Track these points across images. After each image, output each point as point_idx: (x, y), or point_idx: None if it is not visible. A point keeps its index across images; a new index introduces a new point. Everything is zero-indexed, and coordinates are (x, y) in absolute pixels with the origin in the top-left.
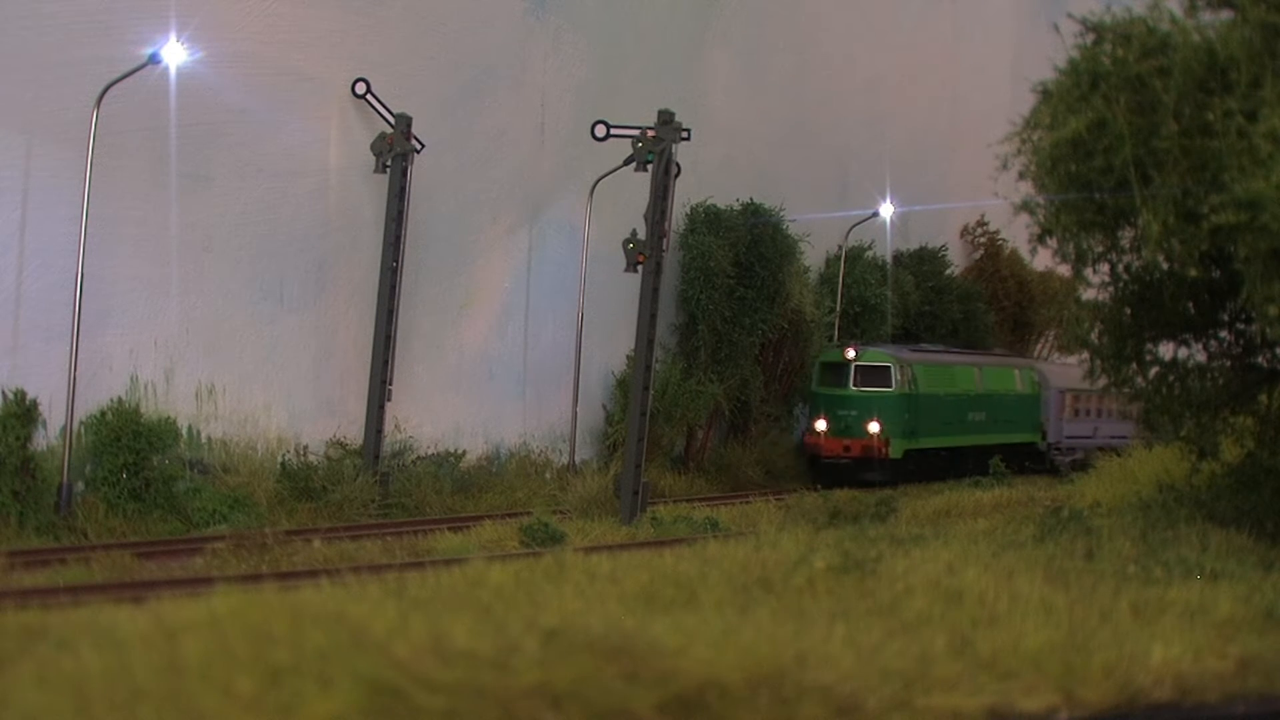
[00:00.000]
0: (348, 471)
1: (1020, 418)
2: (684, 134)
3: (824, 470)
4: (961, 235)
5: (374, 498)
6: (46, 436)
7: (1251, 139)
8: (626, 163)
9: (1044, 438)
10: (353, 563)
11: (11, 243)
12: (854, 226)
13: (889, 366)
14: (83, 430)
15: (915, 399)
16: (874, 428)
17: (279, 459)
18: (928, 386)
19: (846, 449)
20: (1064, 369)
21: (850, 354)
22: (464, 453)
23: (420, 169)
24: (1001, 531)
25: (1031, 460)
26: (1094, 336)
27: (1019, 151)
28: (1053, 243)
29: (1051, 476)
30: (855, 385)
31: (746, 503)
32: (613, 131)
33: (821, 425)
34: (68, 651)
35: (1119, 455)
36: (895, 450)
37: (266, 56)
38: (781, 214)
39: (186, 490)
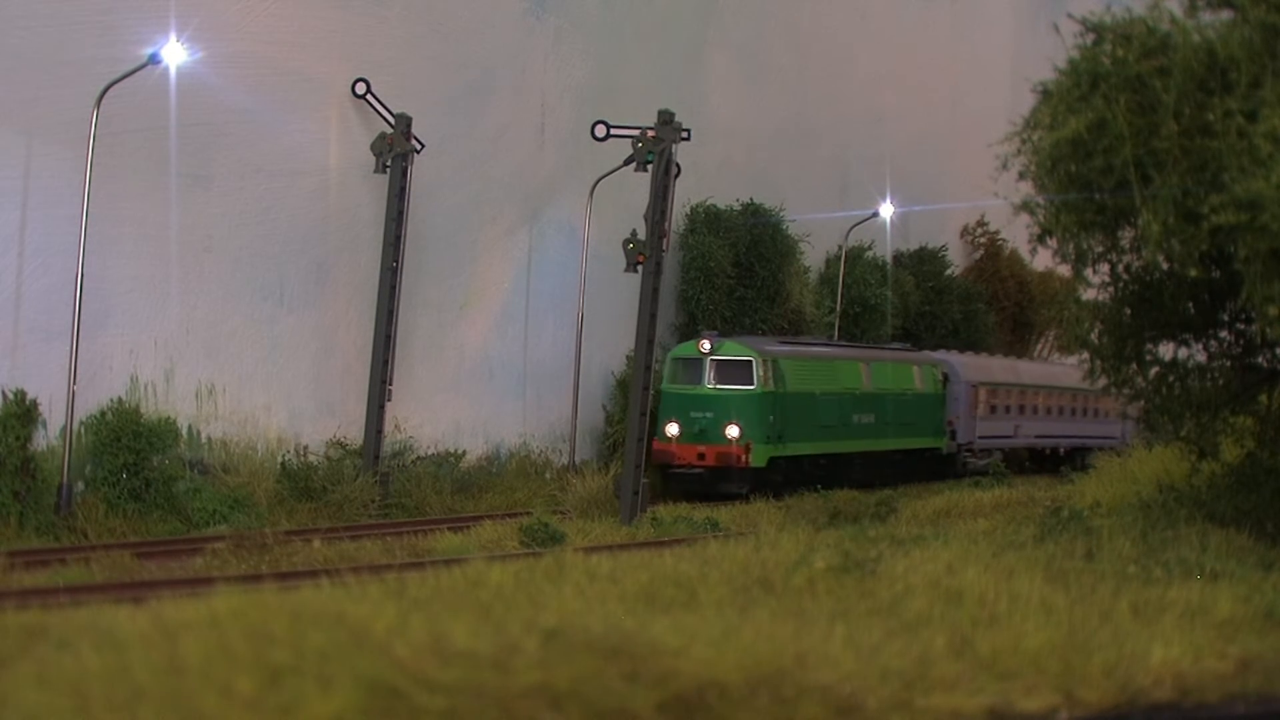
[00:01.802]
0: (348, 471)
1: (920, 419)
2: (684, 134)
3: (677, 481)
4: (961, 235)
5: (374, 498)
6: (46, 436)
7: (1251, 139)
8: (626, 163)
9: (953, 439)
10: (353, 563)
11: (11, 243)
12: (854, 226)
13: (750, 361)
14: (83, 430)
15: (782, 399)
16: (733, 432)
17: (279, 459)
18: (798, 384)
19: (701, 457)
20: (978, 360)
21: (705, 346)
22: (464, 453)
23: (420, 169)
24: (1001, 531)
25: (938, 466)
26: (1094, 336)
27: (1019, 151)
28: (1053, 243)
29: (958, 480)
30: (711, 383)
31: (746, 503)
32: (613, 131)
33: (673, 430)
34: (68, 651)
35: (1056, 458)
36: (757, 458)
37: (266, 56)
38: (781, 214)
39: (186, 490)
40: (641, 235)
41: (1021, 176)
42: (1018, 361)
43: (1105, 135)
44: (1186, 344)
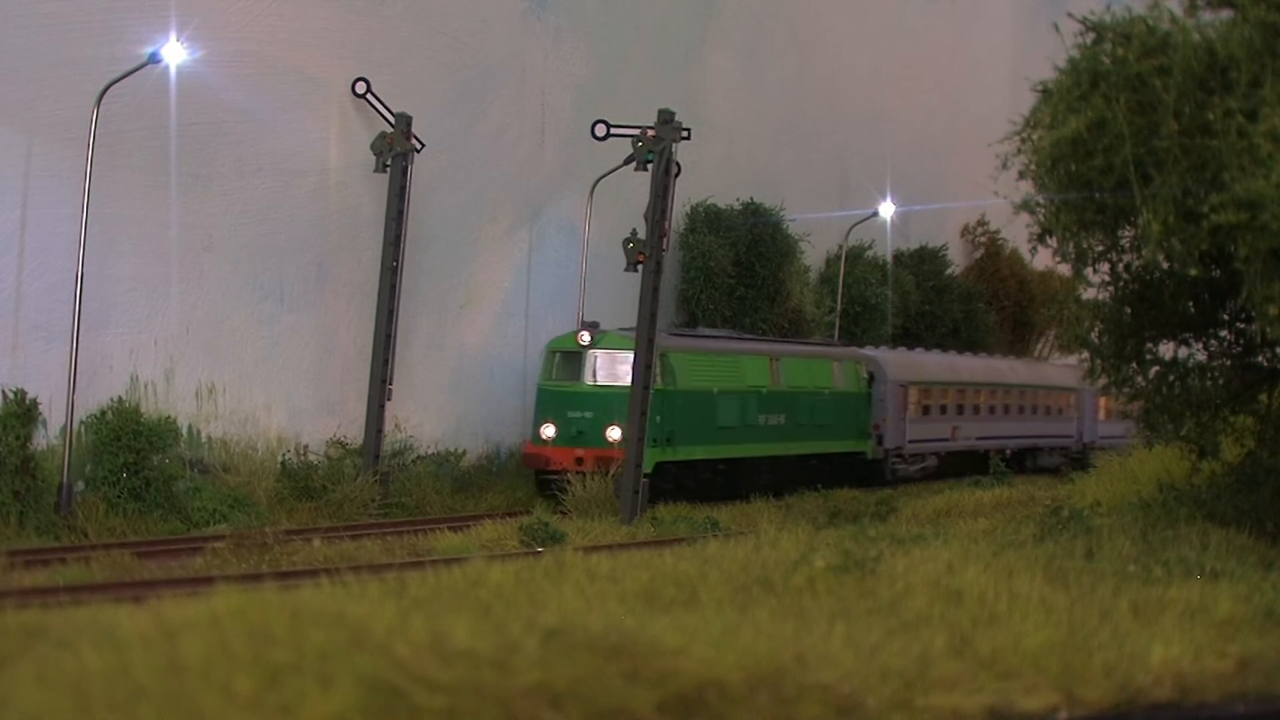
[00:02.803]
0: (348, 471)
1: (840, 421)
2: (684, 134)
3: (551, 489)
4: (961, 235)
5: (374, 497)
6: (46, 436)
7: (1251, 138)
8: (626, 162)
9: (879, 443)
10: (353, 562)
11: (11, 243)
12: (854, 226)
13: (634, 355)
14: (83, 430)
15: (672, 397)
16: (614, 434)
17: (279, 458)
18: (692, 381)
19: (579, 461)
20: (909, 357)
21: (585, 339)
22: (464, 452)
23: (420, 169)
24: (1001, 531)
25: (861, 472)
26: (1094, 336)
27: (1019, 151)
28: (1053, 242)
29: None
30: (592, 379)
31: (746, 502)
32: (613, 131)
33: (549, 431)
34: (68, 651)
35: (1001, 460)
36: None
37: (266, 56)
38: (781, 214)
39: (186, 490)
40: (641, 235)
41: (1021, 176)
42: (957, 357)
43: (1105, 134)
44: (1186, 343)
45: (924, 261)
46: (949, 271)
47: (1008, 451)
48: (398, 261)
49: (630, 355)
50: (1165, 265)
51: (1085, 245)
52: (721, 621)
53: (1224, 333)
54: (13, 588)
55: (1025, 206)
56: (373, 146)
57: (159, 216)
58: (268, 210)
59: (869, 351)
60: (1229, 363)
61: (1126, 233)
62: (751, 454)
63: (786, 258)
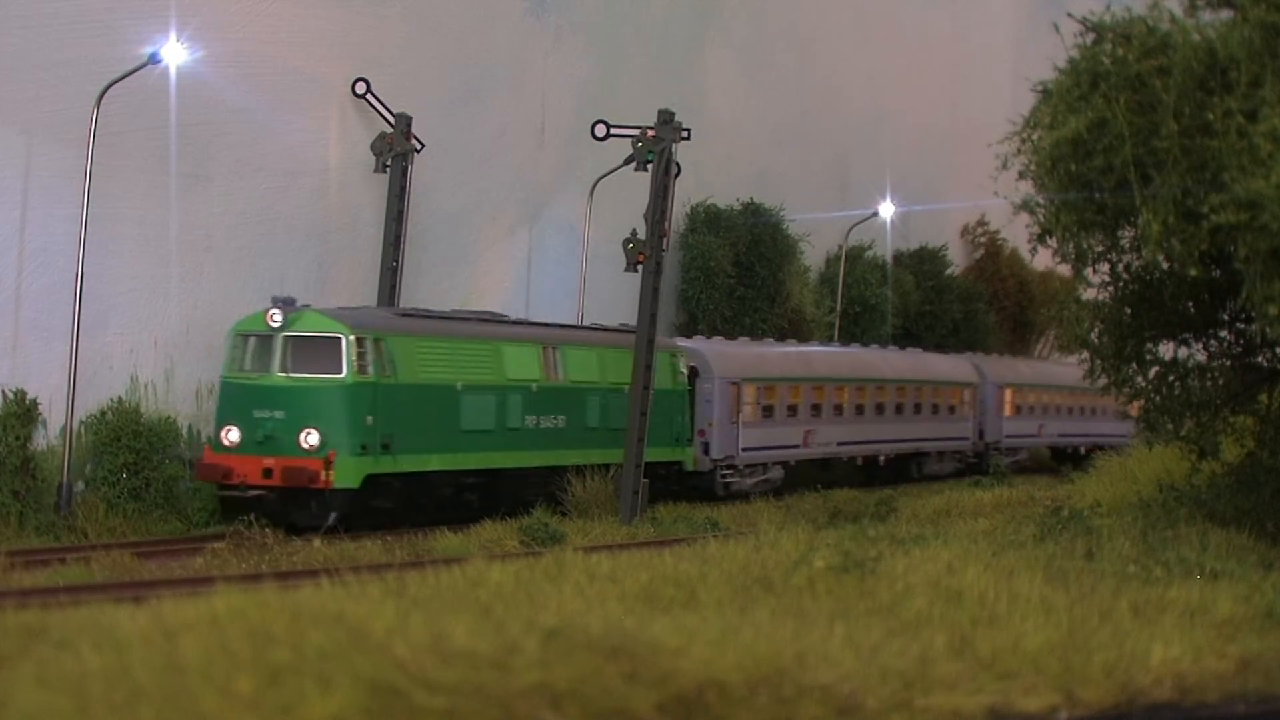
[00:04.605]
0: None
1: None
2: (684, 134)
3: (236, 506)
4: (961, 235)
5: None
6: (46, 436)
7: (1251, 139)
8: (626, 162)
9: (705, 452)
10: (353, 562)
11: (11, 243)
12: (854, 226)
13: (338, 339)
14: (83, 430)
15: (392, 392)
16: (311, 439)
17: None
18: (422, 373)
19: (268, 473)
20: (744, 350)
21: (275, 319)
22: None
23: (420, 169)
24: (1001, 531)
25: (679, 485)
26: (1094, 336)
27: (1019, 151)
28: (1053, 243)
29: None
30: (284, 370)
31: (746, 503)
32: (613, 131)
33: (234, 435)
34: (68, 651)
35: (875, 468)
36: (345, 475)
37: (266, 56)
38: (781, 214)
39: (186, 490)
40: (641, 235)
41: (1021, 176)
42: (812, 349)
43: (1105, 135)
44: (1186, 344)
45: (924, 262)
46: (949, 272)
47: (882, 458)
48: (398, 262)
49: (335, 339)
50: (1165, 265)
51: (1085, 245)
52: (721, 622)
53: (1224, 333)
54: (13, 588)
55: (1025, 207)
56: (373, 147)
57: (159, 216)
58: (268, 210)
59: (690, 343)
60: (1229, 363)
61: (1126, 233)
62: (516, 465)
63: (786, 258)
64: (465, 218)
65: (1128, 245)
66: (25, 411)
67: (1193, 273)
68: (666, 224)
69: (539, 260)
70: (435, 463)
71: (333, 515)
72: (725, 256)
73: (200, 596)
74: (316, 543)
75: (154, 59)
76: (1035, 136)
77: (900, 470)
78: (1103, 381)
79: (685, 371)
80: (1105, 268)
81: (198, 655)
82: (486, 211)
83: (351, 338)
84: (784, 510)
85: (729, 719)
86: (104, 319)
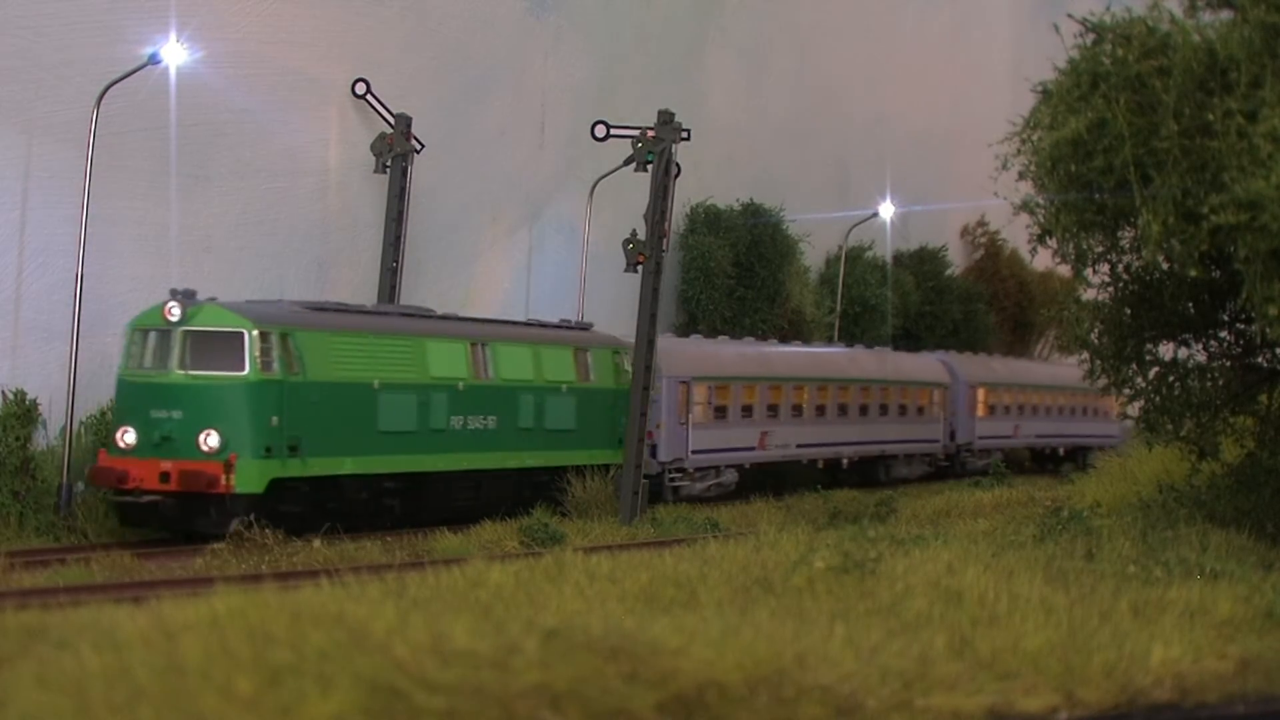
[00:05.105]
0: None
1: (589, 426)
2: (684, 134)
3: (132, 513)
4: (961, 235)
5: None
6: (46, 436)
7: (1251, 139)
8: (626, 163)
9: (652, 455)
10: (353, 563)
11: (11, 243)
12: (854, 227)
13: (239, 334)
14: (83, 430)
15: (300, 391)
16: (211, 441)
17: None
18: (334, 370)
19: (165, 477)
20: (693, 348)
21: (174, 314)
22: None
23: (420, 169)
24: (1001, 532)
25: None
26: (1094, 336)
27: (1019, 151)
28: (1053, 243)
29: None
30: (183, 367)
31: (746, 503)
32: (613, 131)
33: (130, 437)
34: (68, 651)
35: (838, 470)
36: (247, 480)
37: (266, 56)
38: (781, 214)
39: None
40: (641, 235)
41: (1021, 176)
42: (770, 347)
43: (1105, 135)
44: (1186, 344)
45: (924, 262)
46: (949, 272)
47: (845, 461)
48: (398, 262)
49: (237, 334)
50: (1165, 266)
51: (1085, 246)
52: (721, 622)
53: (1224, 333)
54: (13, 588)
55: (1025, 207)
56: (373, 147)
57: (159, 216)
58: (268, 210)
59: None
60: (1229, 363)
61: (1126, 233)
62: (441, 468)
63: (786, 258)
64: (465, 218)
65: (1128, 246)
66: (25, 412)
67: (1193, 273)
68: (666, 224)
69: (539, 260)
70: (349, 466)
71: (234, 522)
72: (725, 257)
73: (200, 597)
74: (316, 543)
75: (154, 59)
76: (1035, 137)
77: (867, 474)
78: (1103, 382)
79: (629, 369)
80: (1105, 268)
81: (198, 656)
82: (486, 211)
83: (255, 333)
84: (784, 511)
85: (729, 719)
86: (104, 319)
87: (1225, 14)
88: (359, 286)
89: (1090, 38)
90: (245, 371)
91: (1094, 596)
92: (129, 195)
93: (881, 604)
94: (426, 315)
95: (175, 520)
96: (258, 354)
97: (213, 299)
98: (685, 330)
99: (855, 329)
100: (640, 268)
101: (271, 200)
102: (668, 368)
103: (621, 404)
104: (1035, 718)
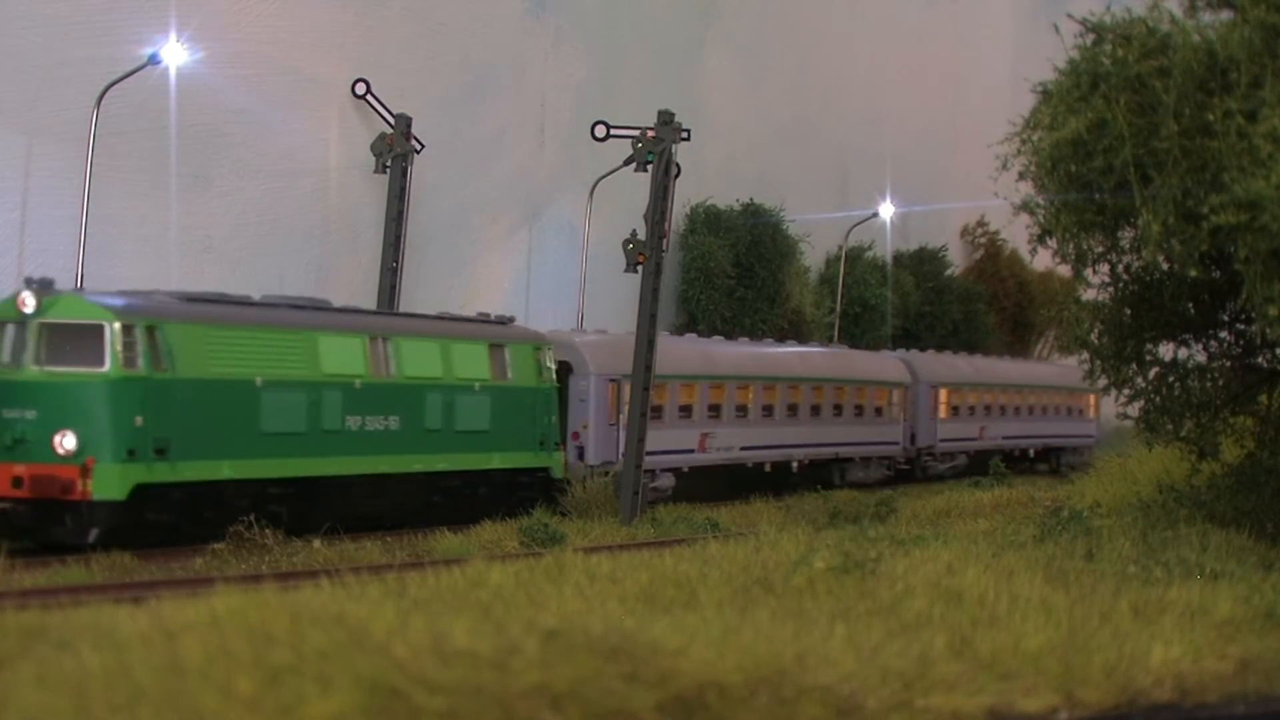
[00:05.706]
0: None
1: (506, 427)
2: (684, 134)
3: None
4: (961, 235)
5: None
6: None
7: (1251, 139)
8: (626, 163)
9: (580, 458)
10: (353, 563)
11: (11, 243)
12: (854, 227)
13: (100, 327)
14: None
15: (167, 389)
16: (67, 444)
17: None
18: (207, 367)
19: (17, 482)
20: (625, 343)
21: (28, 305)
22: None
23: (420, 169)
24: (1001, 532)
25: (544, 496)
26: (1094, 337)
27: (1019, 152)
28: (1053, 243)
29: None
30: (37, 363)
31: (746, 503)
32: (613, 132)
33: None
34: (68, 651)
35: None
36: (107, 486)
37: (266, 56)
38: (781, 214)
39: None
40: (641, 235)
41: (1021, 176)
42: (710, 344)
43: (1105, 135)
44: (1186, 344)
45: (924, 262)
46: (949, 272)
47: (795, 465)
48: (398, 263)
49: (98, 327)
50: (1165, 266)
51: (1085, 246)
52: (721, 622)
53: (1224, 334)
54: (13, 588)
55: (1025, 207)
56: (373, 147)
57: (159, 217)
58: (267, 211)
59: (564, 336)
60: (1229, 364)
61: (1126, 234)
62: (336, 472)
63: (786, 258)
64: (465, 218)
65: (1128, 246)
66: None
67: (1193, 273)
68: (666, 224)
69: (539, 261)
70: (227, 470)
71: (93, 532)
72: (725, 257)
73: (200, 597)
74: (316, 543)
75: (154, 59)
76: (1035, 137)
77: (820, 478)
78: (1103, 382)
79: (552, 367)
80: (1105, 268)
81: (198, 656)
82: (486, 211)
83: (116, 325)
84: (784, 511)
85: (729, 719)
86: None
87: (1225, 14)
88: (359, 286)
89: (1090, 38)
90: (106, 368)
91: (1094, 597)
92: (129, 195)
93: (881, 604)
94: (320, 307)
95: (29, 530)
96: (120, 348)
97: (60, 290)
98: (683, 330)
99: (855, 329)
100: (640, 268)
101: (271, 200)
102: (596, 365)
103: (543, 404)
104: (1035, 718)
